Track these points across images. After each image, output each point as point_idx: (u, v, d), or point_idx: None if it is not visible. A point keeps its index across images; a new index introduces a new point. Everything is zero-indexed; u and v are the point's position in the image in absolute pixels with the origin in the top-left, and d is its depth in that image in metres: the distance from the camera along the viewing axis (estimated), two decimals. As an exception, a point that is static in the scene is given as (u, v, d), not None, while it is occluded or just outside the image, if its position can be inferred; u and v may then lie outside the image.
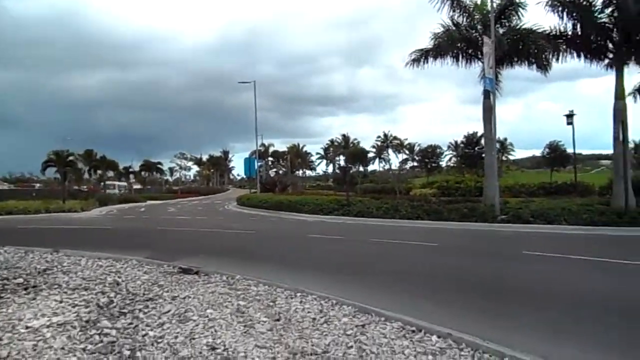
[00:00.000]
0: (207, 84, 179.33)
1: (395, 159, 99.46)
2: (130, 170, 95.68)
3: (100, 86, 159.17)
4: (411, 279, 7.99)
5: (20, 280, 7.55)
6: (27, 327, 4.90)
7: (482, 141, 30.73)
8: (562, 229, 14.48)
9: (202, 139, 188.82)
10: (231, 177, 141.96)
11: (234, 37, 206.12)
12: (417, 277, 8.21)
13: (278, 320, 5.18)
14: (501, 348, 4.09)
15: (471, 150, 67.00)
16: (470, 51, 20.85)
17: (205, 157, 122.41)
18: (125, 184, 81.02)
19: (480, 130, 59.59)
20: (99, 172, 79.36)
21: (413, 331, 4.65)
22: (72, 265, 9.08)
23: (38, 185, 75.57)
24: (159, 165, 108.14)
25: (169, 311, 5.59)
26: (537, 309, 5.92)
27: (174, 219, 24.57)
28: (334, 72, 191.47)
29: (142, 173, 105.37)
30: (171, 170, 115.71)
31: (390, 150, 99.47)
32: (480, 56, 20.22)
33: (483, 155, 36.37)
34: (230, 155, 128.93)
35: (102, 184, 77.07)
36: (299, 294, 6.30)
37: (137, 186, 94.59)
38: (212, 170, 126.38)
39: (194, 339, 4.62)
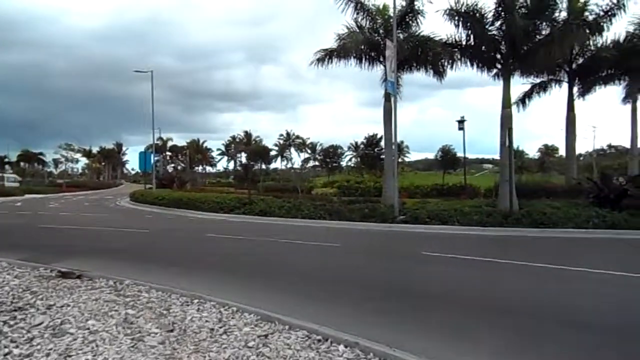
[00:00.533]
0: (98, 72, 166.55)
1: (297, 158, 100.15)
2: (6, 160, 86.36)
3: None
4: (315, 282, 7.80)
5: None
6: None
7: (382, 143, 31.74)
8: (455, 230, 15.26)
9: (92, 130, 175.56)
10: (125, 171, 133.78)
11: (128, 24, 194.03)
12: (321, 280, 8.05)
13: (171, 331, 4.69)
14: (409, 357, 3.99)
15: (371, 152, 69.10)
16: (372, 54, 21.33)
17: (95, 149, 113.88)
18: (15, 176, 72.77)
19: (380, 132, 61.93)
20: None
21: (319, 340, 4.41)
22: None
23: None
24: (40, 156, 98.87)
25: (41, 323, 4.85)
26: (439, 311, 6.00)
27: (56, 215, 22.36)
28: (236, 68, 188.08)
29: (21, 164, 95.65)
30: (55, 162, 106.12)
31: (292, 149, 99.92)
32: (382, 59, 20.77)
33: (382, 156, 37.72)
34: (124, 148, 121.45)
35: None
36: (196, 301, 5.81)
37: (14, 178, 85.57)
38: (103, 164, 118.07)
39: (69, 356, 4.00)
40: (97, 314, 5.20)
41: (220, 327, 4.80)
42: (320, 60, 21.26)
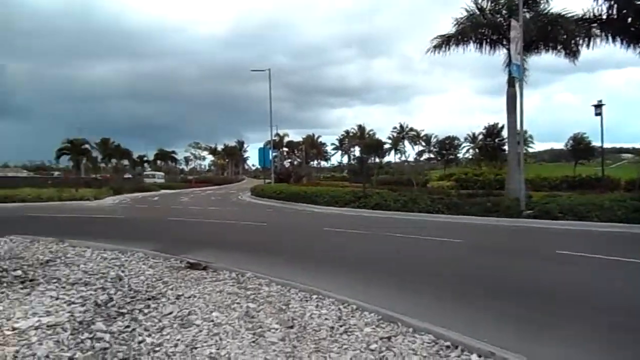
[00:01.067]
0: (222, 75, 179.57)
1: (411, 151, 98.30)
2: (145, 159, 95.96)
3: (112, 76, 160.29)
4: (439, 281, 7.33)
5: (19, 272, 7.09)
6: (13, 329, 4.39)
7: (504, 132, 29.75)
8: (594, 226, 13.64)
9: (217, 129, 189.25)
10: (246, 167, 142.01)
11: (247, 28, 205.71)
12: (445, 278, 7.55)
13: (291, 327, 4.60)
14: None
15: (491, 142, 65.30)
16: (494, 37, 19.92)
17: (220, 147, 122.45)
18: (163, 173, 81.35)
19: (501, 122, 58.35)
20: (114, 160, 79.61)
21: (448, 347, 4.01)
22: (75, 257, 8.63)
23: (57, 173, 76.11)
24: (173, 154, 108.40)
25: (171, 313, 5.04)
26: (581, 320, 5.24)
27: (186, 209, 24.16)
28: (348, 63, 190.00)
29: (157, 162, 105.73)
30: (186, 159, 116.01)
31: (406, 142, 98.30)
32: (504, 42, 19.32)
33: (504, 147, 35.34)
34: (245, 146, 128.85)
35: (141, 173, 77.39)
36: (314, 297, 5.70)
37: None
38: (226, 160, 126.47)
39: (195, 348, 4.06)
40: (221, 306, 5.31)
41: (340, 326, 4.61)
42: (437, 47, 20.37)
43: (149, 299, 5.64)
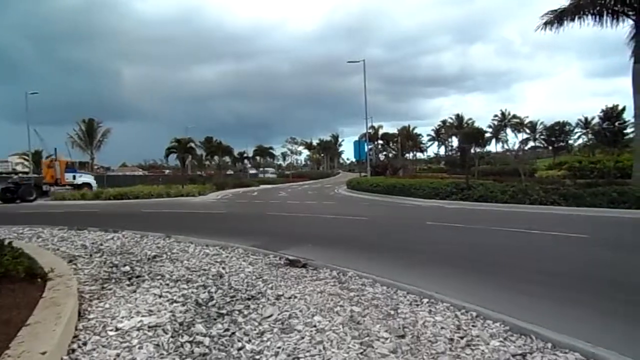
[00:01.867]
0: (316, 71, 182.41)
1: (513, 139, 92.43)
2: (245, 155, 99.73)
3: (217, 78, 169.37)
4: (574, 284, 6.35)
5: (127, 268, 7.27)
6: (116, 329, 4.32)
7: (627, 115, 26.54)
8: None
9: (312, 124, 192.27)
10: (341, 161, 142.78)
11: (340, 23, 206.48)
12: (580, 280, 6.54)
13: (403, 337, 4.05)
14: None
15: (610, 127, 58.96)
16: (617, 7, 17.62)
17: (315, 142, 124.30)
18: (274, 169, 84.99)
19: (621, 103, 52.77)
20: (216, 157, 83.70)
21: (606, 373, 3.24)
22: (180, 252, 8.76)
23: (168, 171, 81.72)
24: (271, 150, 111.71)
25: (271, 316, 4.72)
26: None
27: (284, 203, 24.43)
28: (444, 51, 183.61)
29: (256, 158, 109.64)
30: (283, 155, 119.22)
31: (508, 130, 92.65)
32: (630, 12, 17.02)
33: (626, 131, 31.73)
34: (339, 139, 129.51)
35: (244, 169, 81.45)
36: (425, 300, 5.10)
37: (252, 171, 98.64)
38: (322, 155, 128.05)
39: (297, 358, 3.67)
40: (323, 309, 4.90)
41: (461, 338, 3.98)
42: (549, 24, 18.48)
43: (248, 299, 5.39)
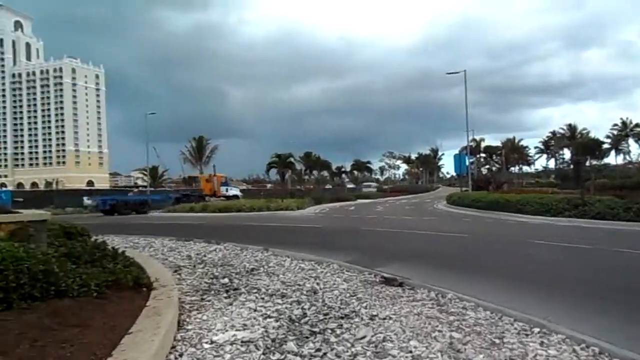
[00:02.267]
0: (414, 84, 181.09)
1: (637, 150, 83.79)
2: (343, 169, 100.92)
3: (316, 94, 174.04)
4: None
5: (226, 280, 7.48)
6: (211, 342, 4.38)
7: None
8: None
9: (410, 138, 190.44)
10: (440, 175, 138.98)
11: (437, 35, 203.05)
12: None
13: (510, 371, 3.65)
14: None
15: None
16: None
17: (413, 156, 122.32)
18: (376, 183, 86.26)
19: None
20: (315, 172, 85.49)
21: None
22: (276, 266, 8.88)
23: (269, 185, 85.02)
24: (368, 165, 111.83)
25: (364, 337, 4.52)
26: None
27: (381, 218, 24.11)
28: (552, 58, 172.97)
29: (354, 172, 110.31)
30: (381, 169, 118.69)
31: (630, 140, 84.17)
32: None
33: None
34: (439, 153, 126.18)
35: (342, 183, 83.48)
36: (536, 330, 4.59)
37: (350, 185, 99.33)
38: (420, 169, 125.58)
39: (392, 386, 3.43)
40: (420, 334, 4.60)
41: (580, 379, 3.49)
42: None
43: (341, 318, 5.24)
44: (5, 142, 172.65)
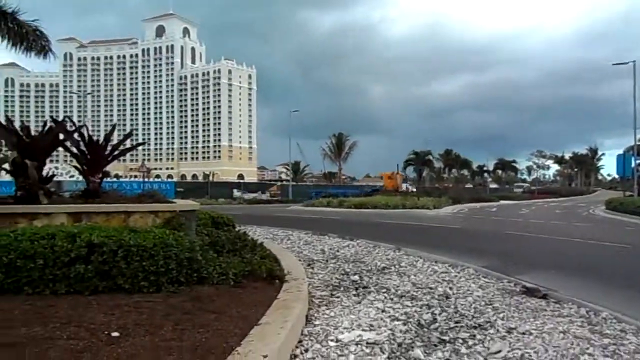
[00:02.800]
0: (569, 78, 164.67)
1: None
2: (485, 169, 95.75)
3: (457, 91, 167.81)
4: None
5: (357, 277, 7.50)
6: (337, 340, 4.39)
7: None
8: None
9: (562, 136, 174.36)
10: (599, 177, 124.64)
11: (599, 24, 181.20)
12: None
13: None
14: None
15: None
16: None
17: (567, 155, 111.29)
18: (527, 185, 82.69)
19: None
20: (454, 170, 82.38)
21: None
22: (408, 266, 8.69)
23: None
24: (514, 164, 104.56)
25: (499, 352, 4.17)
26: None
27: (526, 222, 22.31)
28: None
29: (497, 172, 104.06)
30: (528, 169, 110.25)
31: None
32: None
33: None
34: (598, 153, 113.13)
35: (484, 182, 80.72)
36: None
37: (493, 185, 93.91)
38: (575, 170, 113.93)
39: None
40: (565, 355, 4.09)
41: None
42: None
43: (474, 327, 4.90)
44: (172, 138, 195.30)
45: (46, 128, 7.39)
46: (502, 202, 47.21)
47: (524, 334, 4.71)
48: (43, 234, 4.60)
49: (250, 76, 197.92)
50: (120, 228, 5.12)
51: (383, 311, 5.44)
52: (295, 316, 4.34)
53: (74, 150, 7.59)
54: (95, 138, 7.95)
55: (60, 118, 8.90)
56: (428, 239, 14.18)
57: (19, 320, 3.66)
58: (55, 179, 9.00)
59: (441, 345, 4.36)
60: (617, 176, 62.56)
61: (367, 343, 4.31)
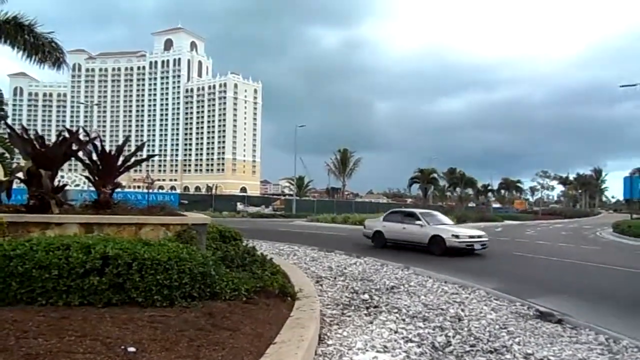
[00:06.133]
0: (577, 98, 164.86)
1: None
2: (489, 188, 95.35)
3: (462, 109, 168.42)
4: None
5: (366, 296, 7.42)
6: (351, 361, 4.30)
7: None
8: None
9: (568, 157, 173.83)
10: (603, 199, 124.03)
11: (608, 45, 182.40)
12: None
13: None
14: None
15: None
16: None
17: (572, 176, 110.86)
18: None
19: None
20: (458, 189, 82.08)
21: None
22: (417, 286, 8.60)
23: (409, 200, 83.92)
24: (518, 184, 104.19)
25: (518, 378, 4.07)
26: None
27: (532, 243, 22.11)
28: None
29: (501, 191, 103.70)
30: (532, 189, 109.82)
31: None
32: None
33: None
34: (602, 174, 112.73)
35: (487, 202, 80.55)
36: None
37: (496, 205, 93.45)
38: (579, 191, 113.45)
39: None
40: (586, 384, 4.00)
41: None
42: None
43: (490, 352, 4.82)
44: (177, 150, 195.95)
45: (60, 138, 7.39)
46: (506, 222, 46.94)
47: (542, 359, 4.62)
48: (58, 245, 4.57)
49: (256, 90, 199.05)
50: (134, 241, 5.07)
51: (396, 332, 5.36)
52: (310, 336, 4.28)
53: (86, 160, 7.60)
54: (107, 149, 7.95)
55: (67, 128, 8.90)
56: (435, 259, 14.02)
57: (34, 332, 3.60)
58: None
59: (458, 370, 4.28)
60: (621, 198, 62.16)
61: (383, 365, 4.23)
